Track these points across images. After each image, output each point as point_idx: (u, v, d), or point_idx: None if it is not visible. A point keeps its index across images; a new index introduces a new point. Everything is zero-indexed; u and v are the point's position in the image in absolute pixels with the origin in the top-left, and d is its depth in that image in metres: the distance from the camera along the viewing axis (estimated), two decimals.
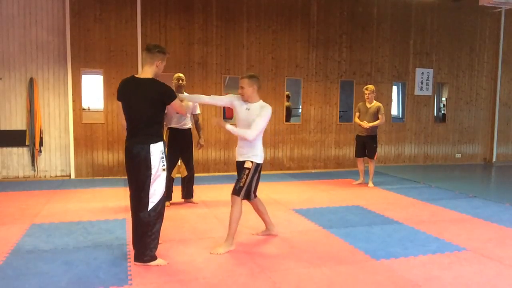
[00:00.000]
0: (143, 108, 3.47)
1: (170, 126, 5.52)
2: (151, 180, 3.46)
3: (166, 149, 3.62)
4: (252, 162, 4.02)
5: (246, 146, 4.05)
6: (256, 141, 4.02)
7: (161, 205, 3.56)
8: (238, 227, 4.66)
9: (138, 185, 3.48)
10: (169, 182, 5.56)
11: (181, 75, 5.63)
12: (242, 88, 4.04)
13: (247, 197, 4.14)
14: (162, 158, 3.49)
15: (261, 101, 4.11)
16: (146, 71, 3.57)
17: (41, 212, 5.23)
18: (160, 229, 3.60)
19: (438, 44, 9.73)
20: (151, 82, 3.52)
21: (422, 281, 3.29)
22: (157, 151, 3.46)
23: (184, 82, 5.62)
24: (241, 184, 4.01)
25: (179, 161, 5.65)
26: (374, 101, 7.02)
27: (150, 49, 3.58)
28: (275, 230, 4.43)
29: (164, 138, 5.41)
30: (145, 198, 3.47)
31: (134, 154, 3.45)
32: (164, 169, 3.52)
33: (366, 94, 7.00)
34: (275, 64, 8.60)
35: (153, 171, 3.45)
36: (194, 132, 5.77)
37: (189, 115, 5.58)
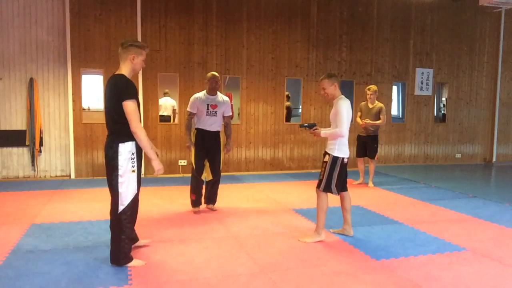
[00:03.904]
0: (109, 106, 3.36)
1: (197, 127, 5.24)
2: (119, 182, 3.34)
3: (137, 151, 3.41)
4: (329, 155, 4.16)
5: (328, 140, 4.21)
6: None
7: (131, 208, 3.42)
8: (239, 227, 4.67)
9: (109, 186, 3.42)
10: (198, 183, 5.24)
11: (215, 74, 5.19)
12: (324, 89, 4.27)
13: (328, 190, 4.18)
14: (132, 159, 3.34)
15: (339, 96, 4.24)
16: (120, 68, 3.43)
17: (41, 212, 5.23)
18: (132, 232, 3.53)
19: (438, 44, 9.73)
20: (114, 78, 3.37)
21: (422, 281, 3.28)
22: (125, 151, 3.32)
23: (219, 83, 5.25)
24: (320, 177, 4.21)
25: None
26: (376, 102, 7.00)
27: (123, 43, 3.41)
28: (351, 231, 4.41)
29: (192, 139, 5.22)
30: (116, 200, 3.38)
31: (105, 154, 3.39)
32: (133, 171, 3.36)
33: (368, 94, 6.95)
34: (275, 64, 8.60)
35: (120, 172, 3.32)
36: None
37: (219, 117, 5.22)
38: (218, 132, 5.26)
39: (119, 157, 3.31)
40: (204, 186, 5.40)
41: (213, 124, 5.18)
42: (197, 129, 5.24)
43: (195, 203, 5.31)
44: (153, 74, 7.87)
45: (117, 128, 3.34)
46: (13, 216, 5.03)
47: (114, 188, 3.36)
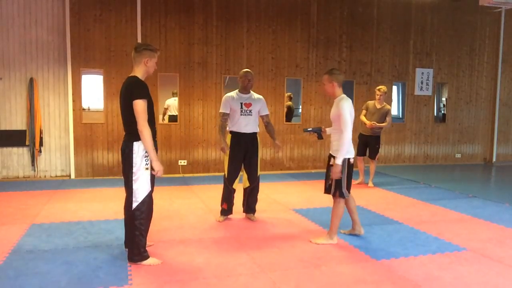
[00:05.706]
0: (123, 107, 3.53)
1: (231, 129, 4.84)
2: (133, 179, 3.46)
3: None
4: (334, 158, 4.06)
5: (332, 141, 4.14)
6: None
7: (146, 205, 3.52)
8: (239, 227, 4.67)
9: (125, 183, 3.55)
10: (229, 192, 4.89)
11: (248, 71, 4.86)
12: (323, 84, 4.16)
13: (340, 195, 4.08)
14: (146, 157, 3.45)
15: (340, 96, 4.12)
16: (134, 70, 3.58)
17: (41, 212, 5.23)
18: (147, 229, 3.60)
19: (438, 44, 9.73)
20: (128, 80, 3.53)
21: (422, 281, 3.29)
22: (140, 149, 3.44)
23: (251, 82, 4.85)
24: (329, 182, 4.12)
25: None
26: (384, 103, 6.96)
27: (137, 47, 3.58)
28: (361, 230, 4.40)
29: (228, 142, 4.80)
30: (130, 197, 3.51)
31: (121, 152, 3.54)
32: (147, 168, 3.46)
33: (378, 94, 6.88)
34: (275, 64, 8.60)
35: (134, 169, 3.45)
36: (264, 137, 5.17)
37: (254, 117, 4.84)
38: (255, 133, 4.86)
39: (134, 155, 3.44)
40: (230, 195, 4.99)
41: (248, 124, 4.78)
42: (231, 132, 4.83)
43: (225, 212, 4.96)
44: (153, 74, 7.82)
45: (132, 127, 3.46)
46: (13, 216, 5.03)
47: (129, 185, 3.50)
